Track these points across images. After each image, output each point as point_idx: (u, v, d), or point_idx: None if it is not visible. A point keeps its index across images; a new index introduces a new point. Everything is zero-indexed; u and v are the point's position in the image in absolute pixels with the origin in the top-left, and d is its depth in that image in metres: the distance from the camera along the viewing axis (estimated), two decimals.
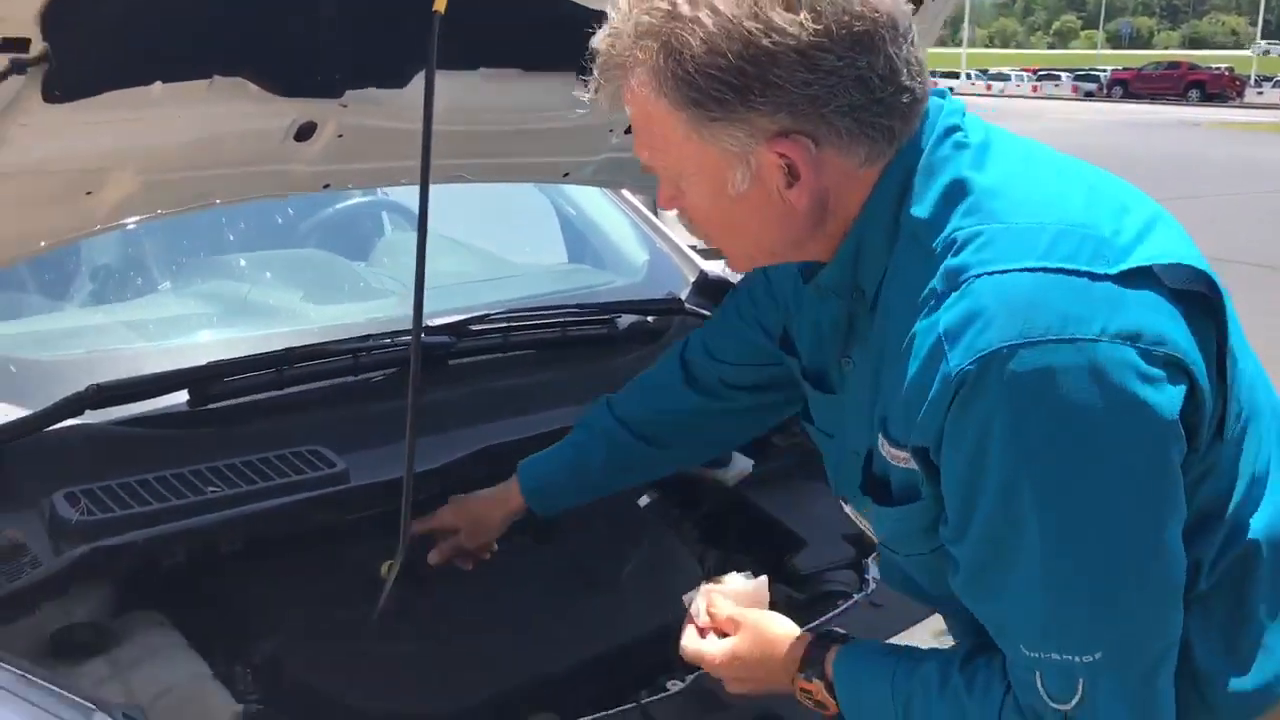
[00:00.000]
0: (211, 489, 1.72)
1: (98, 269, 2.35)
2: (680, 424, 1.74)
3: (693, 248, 2.88)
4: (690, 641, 1.44)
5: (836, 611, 1.85)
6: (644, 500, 2.13)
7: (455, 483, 1.86)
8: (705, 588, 1.46)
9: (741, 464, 2.14)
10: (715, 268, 2.80)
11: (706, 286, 2.68)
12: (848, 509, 1.46)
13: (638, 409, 1.76)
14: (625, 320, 2.45)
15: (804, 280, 1.36)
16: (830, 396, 1.42)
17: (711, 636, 1.43)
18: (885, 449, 1.24)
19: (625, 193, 2.97)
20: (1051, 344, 1.05)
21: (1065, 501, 1.08)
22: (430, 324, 2.18)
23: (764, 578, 1.48)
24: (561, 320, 2.33)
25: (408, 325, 2.18)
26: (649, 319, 2.51)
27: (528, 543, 1.96)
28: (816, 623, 1.79)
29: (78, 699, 1.27)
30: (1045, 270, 1.08)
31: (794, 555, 2.06)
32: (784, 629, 1.39)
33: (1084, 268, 1.08)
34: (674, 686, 1.63)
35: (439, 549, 1.77)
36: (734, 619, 1.41)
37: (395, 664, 1.62)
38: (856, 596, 1.89)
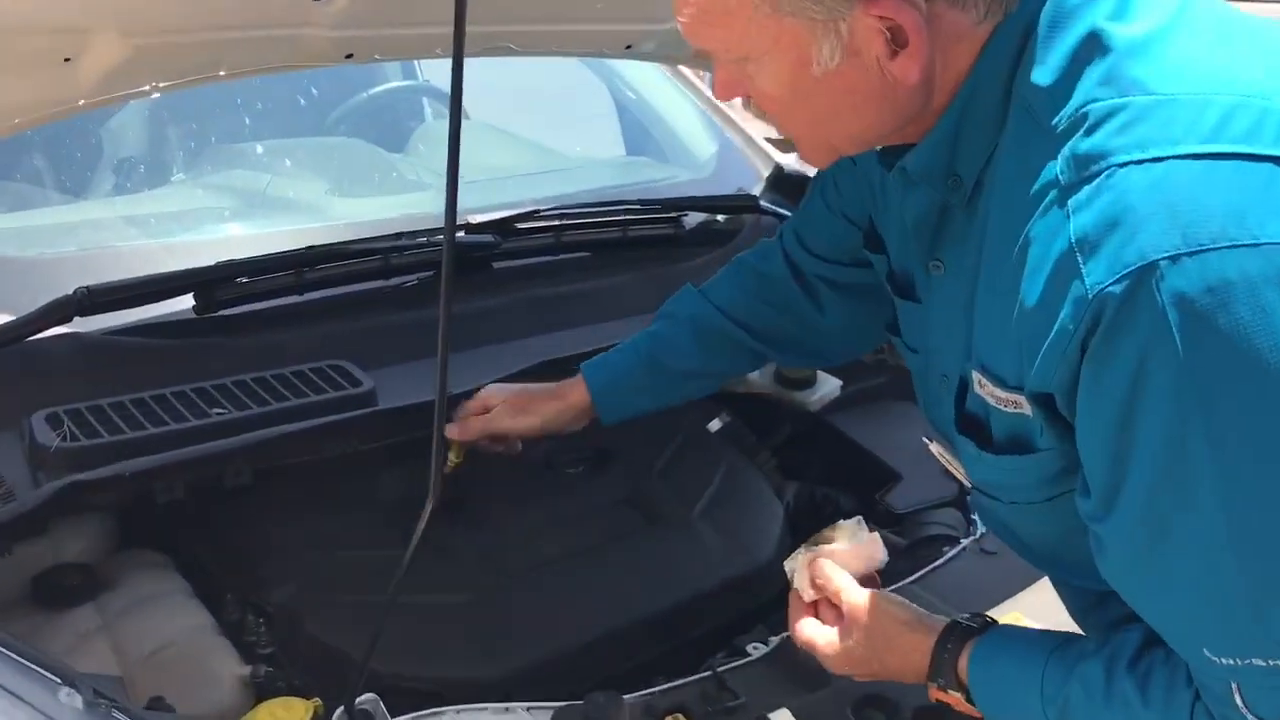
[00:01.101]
0: (217, 410, 1.48)
1: (90, 155, 2.08)
2: (779, 319, 1.49)
3: (768, 139, 2.57)
4: (804, 628, 1.18)
5: (941, 560, 1.59)
6: (715, 424, 1.86)
7: None
8: (805, 555, 1.20)
9: (828, 386, 1.86)
10: (792, 161, 2.49)
11: (783, 182, 2.39)
12: (933, 448, 1.20)
13: (734, 293, 1.51)
14: (692, 219, 2.16)
15: (884, 165, 1.08)
16: (916, 306, 1.15)
17: (822, 617, 1.18)
18: (984, 388, 0.98)
19: (690, 75, 2.65)
20: (1227, 251, 0.77)
21: (1255, 460, 0.80)
22: (470, 220, 1.92)
23: (875, 534, 1.21)
24: (621, 218, 2.04)
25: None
26: (719, 218, 2.23)
27: (582, 474, 1.72)
28: (919, 574, 1.53)
29: (41, 669, 1.03)
30: (1213, 156, 0.81)
31: (888, 491, 1.79)
32: (902, 625, 1.12)
33: (1266, 151, 0.80)
34: (756, 651, 1.38)
35: (462, 423, 1.49)
36: (844, 599, 1.15)
37: (430, 619, 1.38)
38: (965, 542, 1.61)
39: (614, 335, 1.77)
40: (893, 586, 1.48)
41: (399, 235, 1.83)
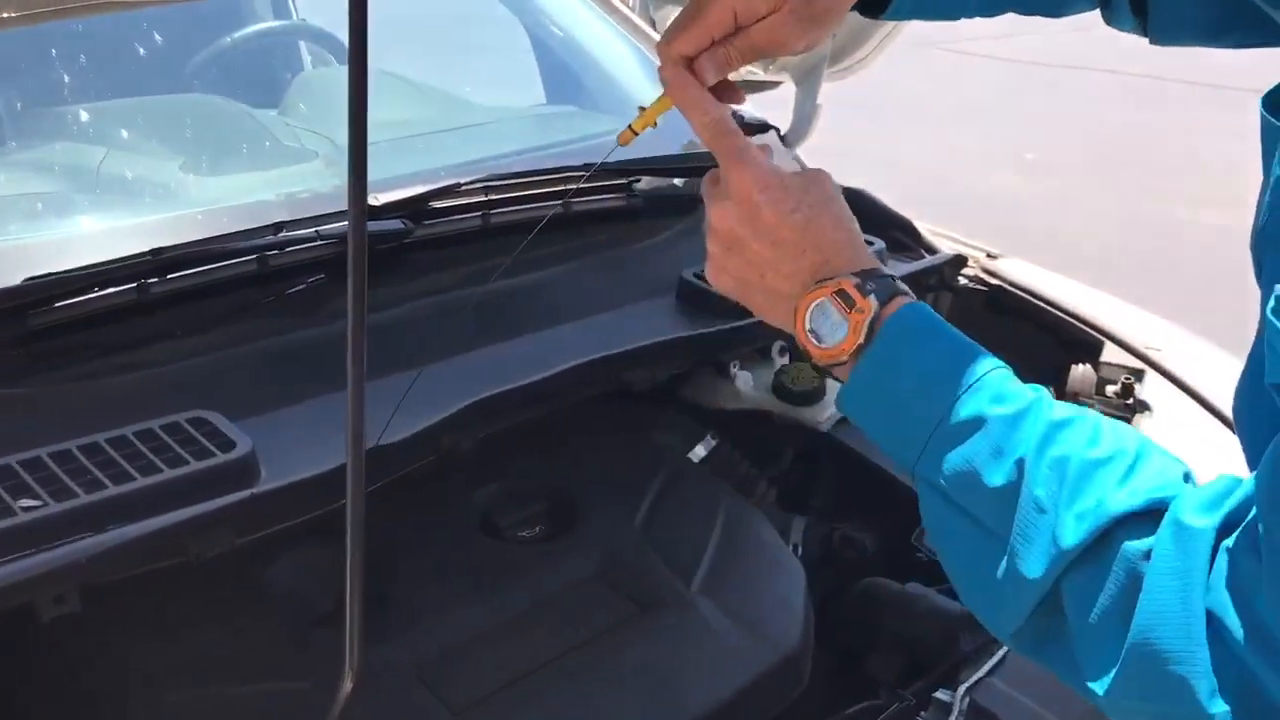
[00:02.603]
0: (25, 504, 1.03)
1: None
2: None
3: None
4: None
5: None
6: (700, 451, 1.47)
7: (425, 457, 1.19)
8: None
9: None
10: (750, 108, 2.08)
11: (745, 130, 1.98)
12: None
13: None
14: (646, 185, 1.75)
15: None
16: None
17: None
18: None
19: (620, 4, 2.21)
20: None
21: None
22: (372, 201, 1.47)
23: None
24: (561, 189, 1.61)
25: (340, 202, 1.50)
26: (677, 182, 1.82)
27: (539, 539, 1.31)
28: (964, 653, 1.18)
29: None
30: None
31: (924, 530, 1.42)
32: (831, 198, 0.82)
33: None
34: None
35: (711, 54, 0.87)
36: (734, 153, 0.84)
37: None
38: None
39: (570, 345, 1.36)
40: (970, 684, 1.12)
41: (278, 226, 1.38)
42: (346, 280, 1.25)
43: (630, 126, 0.96)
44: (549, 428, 1.39)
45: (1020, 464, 0.69)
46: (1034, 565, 0.67)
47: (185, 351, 1.29)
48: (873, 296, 0.76)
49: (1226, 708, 0.60)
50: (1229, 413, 1.55)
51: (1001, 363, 0.75)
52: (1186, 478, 0.68)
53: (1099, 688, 0.65)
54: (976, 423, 0.71)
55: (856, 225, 0.81)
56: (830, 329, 0.76)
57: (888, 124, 6.85)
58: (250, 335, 1.33)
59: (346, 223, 1.38)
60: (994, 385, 0.72)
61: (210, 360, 1.29)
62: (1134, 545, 0.64)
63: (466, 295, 1.46)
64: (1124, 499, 0.65)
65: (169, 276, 1.30)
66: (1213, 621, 0.61)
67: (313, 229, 1.40)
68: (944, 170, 6.09)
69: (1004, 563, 0.68)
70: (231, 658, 1.09)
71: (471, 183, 1.53)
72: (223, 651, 1.10)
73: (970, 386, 0.72)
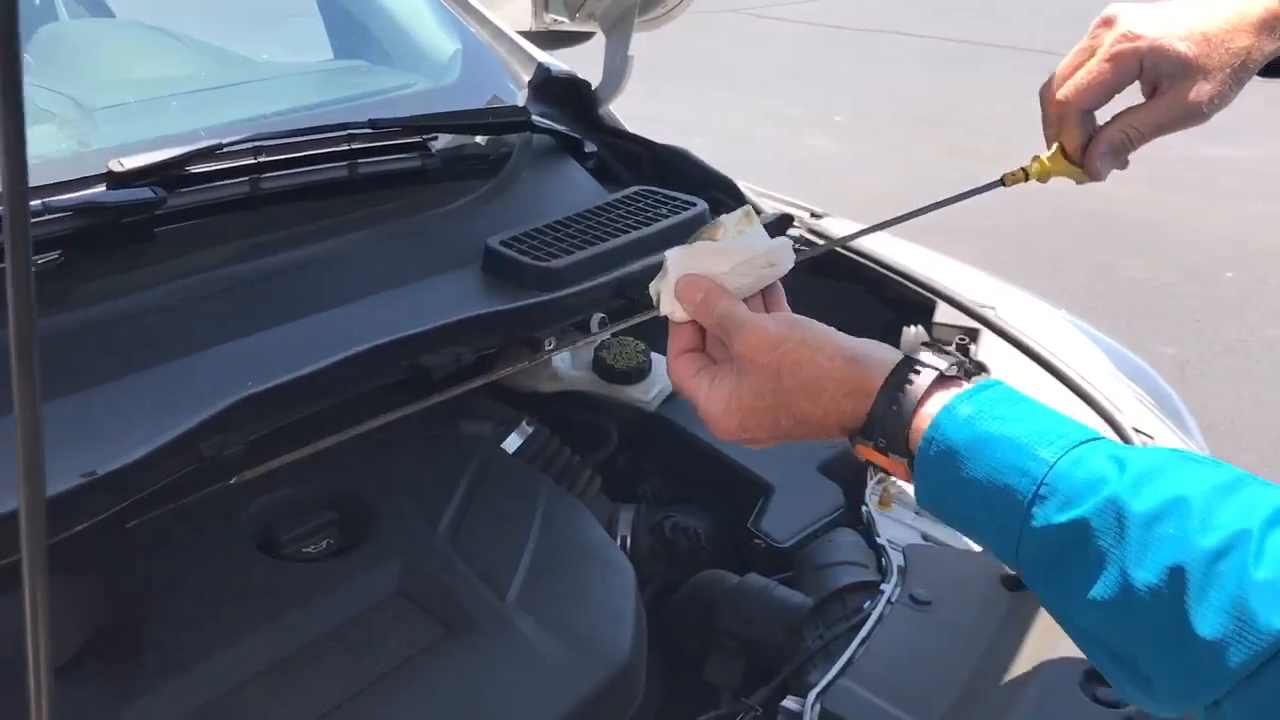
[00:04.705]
0: None
1: None
2: None
3: (523, 33, 1.98)
4: (682, 370, 0.86)
5: (853, 623, 1.13)
6: (515, 441, 1.31)
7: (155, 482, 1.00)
8: (677, 258, 0.86)
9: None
10: (558, 61, 1.93)
11: (550, 87, 1.83)
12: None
13: None
14: (442, 144, 1.57)
15: None
16: None
17: (710, 352, 0.87)
18: None
19: None
20: None
21: None
22: (115, 166, 1.25)
23: (765, 230, 0.86)
24: (344, 149, 1.42)
25: (79, 169, 1.27)
26: (478, 140, 1.65)
27: (326, 554, 1.13)
28: (841, 664, 1.06)
29: None
30: None
31: (761, 513, 1.31)
32: (827, 357, 0.78)
33: None
34: None
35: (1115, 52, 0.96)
36: (733, 328, 0.81)
37: None
38: (887, 588, 1.16)
39: (357, 328, 1.19)
40: (819, 689, 1.01)
41: None
42: (89, 260, 1.04)
43: (1025, 169, 1.01)
44: (338, 423, 1.21)
45: (1124, 574, 0.59)
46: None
47: None
48: (893, 455, 0.74)
49: None
50: (1065, 370, 1.49)
51: (1066, 443, 0.66)
52: None
53: None
54: (1064, 532, 0.63)
55: (837, 367, 0.77)
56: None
57: (700, 89, 6.79)
58: None
59: (63, 197, 1.17)
60: (1062, 487, 0.64)
61: None
62: None
63: (232, 273, 1.26)
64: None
65: None
66: None
67: (39, 200, 1.17)
68: (754, 133, 6.06)
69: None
70: None
71: (236, 142, 1.32)
72: None
73: (1034, 498, 0.65)
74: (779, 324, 0.80)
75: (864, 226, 1.85)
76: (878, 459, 0.76)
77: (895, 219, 1.10)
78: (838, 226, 1.76)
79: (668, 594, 1.28)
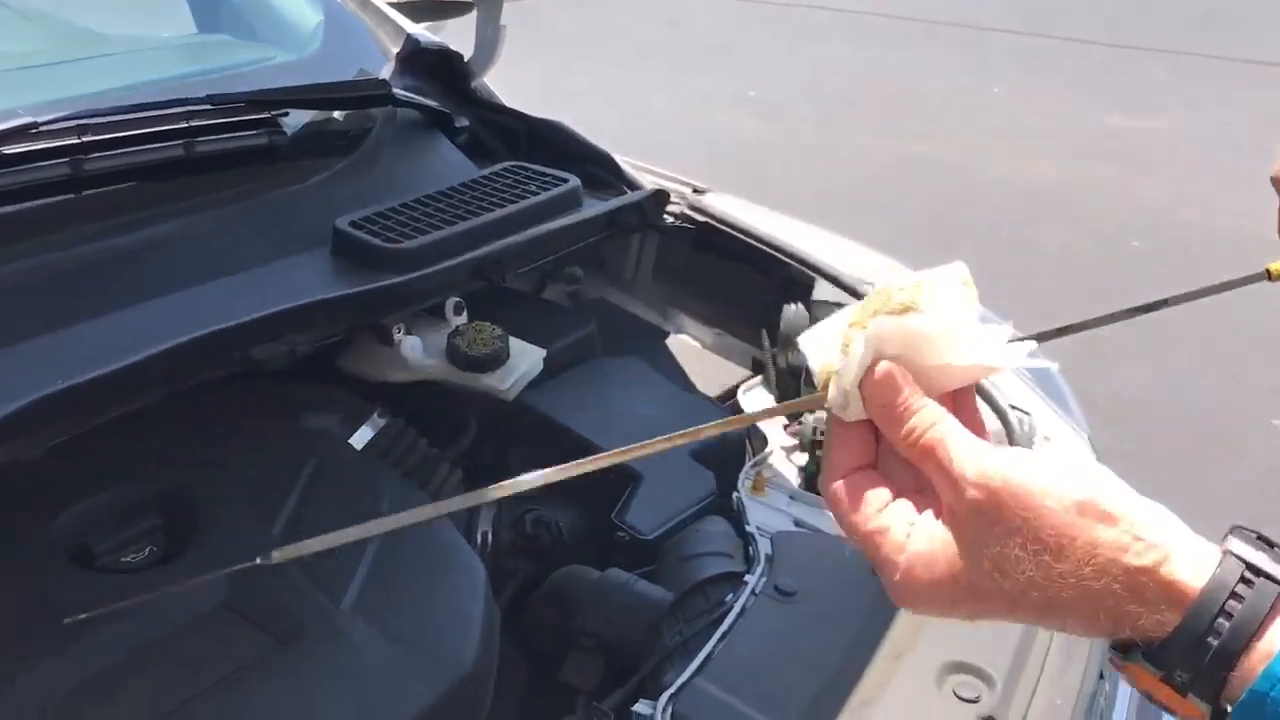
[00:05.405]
0: None
1: None
2: None
3: (392, 3, 1.89)
4: (852, 495, 0.57)
5: (714, 617, 1.07)
6: (365, 434, 1.24)
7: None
8: (886, 326, 0.55)
9: (527, 361, 1.29)
10: (428, 32, 1.84)
11: (418, 59, 1.74)
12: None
13: None
14: (295, 121, 1.48)
15: None
16: None
17: (891, 478, 0.57)
18: None
19: None
20: None
21: None
22: None
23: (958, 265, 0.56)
24: (181, 126, 1.33)
25: None
26: (336, 115, 1.56)
27: (148, 563, 1.05)
28: (701, 659, 1.01)
29: None
30: None
31: (627, 505, 1.25)
32: (1090, 520, 0.50)
33: None
34: None
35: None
36: (952, 460, 0.53)
37: None
38: (751, 579, 1.10)
39: (186, 317, 1.10)
40: (682, 681, 0.96)
41: None
42: None
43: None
44: (165, 419, 1.13)
45: None
46: None
47: None
48: (1193, 697, 0.49)
49: None
50: None
51: None
52: None
53: None
54: None
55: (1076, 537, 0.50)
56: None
57: (619, 66, 6.70)
58: None
59: None
60: None
61: None
62: None
63: (47, 262, 1.17)
64: None
65: None
66: None
67: None
68: (669, 110, 5.99)
69: None
70: None
71: (55, 120, 1.22)
72: None
73: None
74: (1018, 463, 0.52)
75: (756, 206, 1.79)
76: (1162, 694, 0.51)
77: (1138, 308, 0.89)
78: (720, 203, 1.71)
79: (530, 591, 1.21)
